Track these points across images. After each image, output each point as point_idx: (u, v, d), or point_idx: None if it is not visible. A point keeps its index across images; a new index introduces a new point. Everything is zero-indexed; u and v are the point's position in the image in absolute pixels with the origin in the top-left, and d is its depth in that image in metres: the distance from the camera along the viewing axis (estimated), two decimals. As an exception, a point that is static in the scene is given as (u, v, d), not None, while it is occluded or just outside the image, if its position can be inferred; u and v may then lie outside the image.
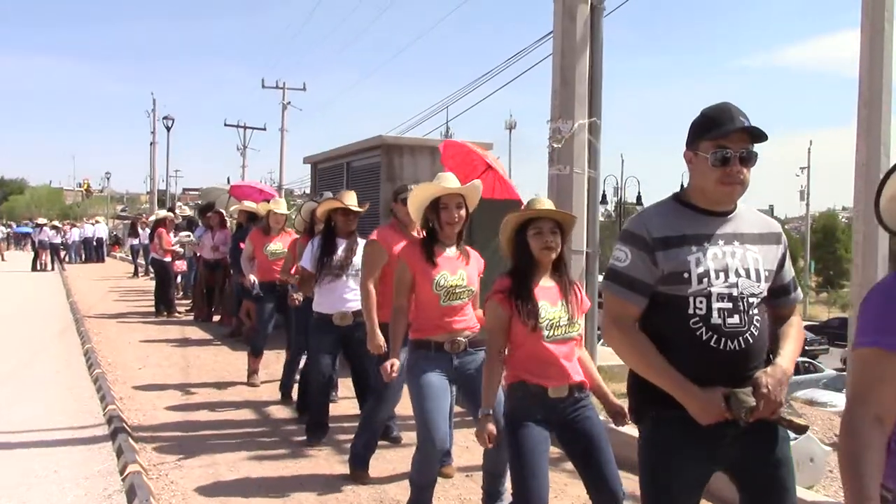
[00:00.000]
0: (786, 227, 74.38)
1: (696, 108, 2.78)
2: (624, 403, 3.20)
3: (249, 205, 11.07)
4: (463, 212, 4.41)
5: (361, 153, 12.11)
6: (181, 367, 9.59)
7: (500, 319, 3.69)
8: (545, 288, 3.74)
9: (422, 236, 4.56)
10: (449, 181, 4.42)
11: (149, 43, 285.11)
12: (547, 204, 3.84)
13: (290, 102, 38.23)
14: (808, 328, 41.35)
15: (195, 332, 12.68)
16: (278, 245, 8.50)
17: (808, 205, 60.04)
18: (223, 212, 13.85)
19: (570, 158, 6.85)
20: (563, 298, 3.74)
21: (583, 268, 7.07)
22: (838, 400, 22.44)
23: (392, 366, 4.42)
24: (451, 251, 4.44)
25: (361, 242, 5.98)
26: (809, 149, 58.70)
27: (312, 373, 6.19)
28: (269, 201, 11.21)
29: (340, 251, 6.06)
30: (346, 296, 5.99)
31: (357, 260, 5.93)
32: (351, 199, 6.10)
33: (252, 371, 8.52)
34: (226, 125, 43.25)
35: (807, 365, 28.36)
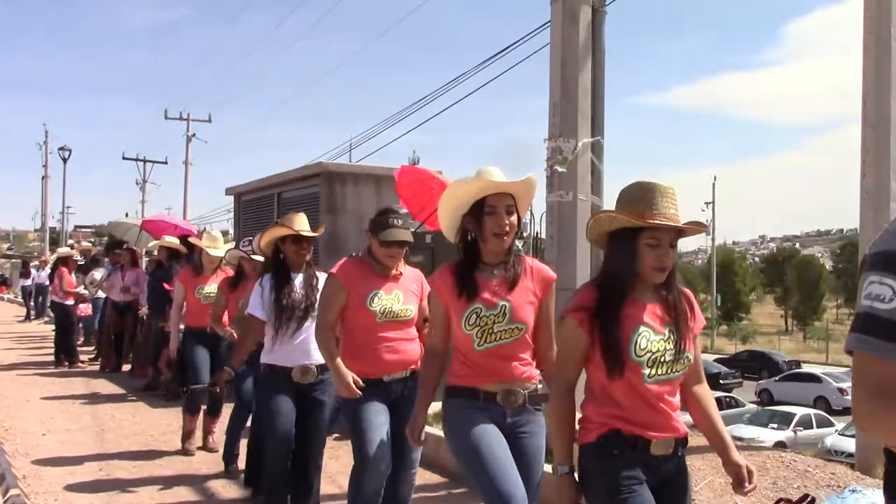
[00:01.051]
0: (681, 259, 75.90)
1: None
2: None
3: (171, 240, 9.77)
4: (514, 218, 3.28)
5: (296, 182, 10.97)
6: (94, 431, 8.14)
7: (575, 347, 2.73)
8: (647, 307, 2.73)
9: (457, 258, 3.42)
10: (494, 175, 3.28)
11: (40, 76, 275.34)
12: (668, 204, 2.71)
13: (194, 134, 36.60)
14: (719, 361, 41.59)
15: (104, 386, 11.13)
16: (213, 287, 7.23)
17: (713, 239, 61.24)
18: (136, 249, 12.43)
19: (574, 183, 5.91)
20: (670, 321, 2.73)
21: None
22: (766, 435, 22.20)
23: (416, 430, 3.34)
24: (497, 273, 3.30)
25: (323, 276, 4.81)
26: (714, 184, 59.76)
27: (270, 443, 4.95)
28: (187, 237, 9.99)
29: (299, 288, 4.80)
30: (312, 345, 4.68)
31: None
32: (301, 224, 4.85)
33: (188, 432, 7.16)
34: (124, 158, 41.20)
35: (728, 400, 28.18)
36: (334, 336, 4.14)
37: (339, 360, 4.00)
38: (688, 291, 2.87)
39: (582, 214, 5.95)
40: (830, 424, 24.57)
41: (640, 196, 2.72)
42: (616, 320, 2.66)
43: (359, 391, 3.89)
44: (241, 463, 6.14)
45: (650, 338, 2.68)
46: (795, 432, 23.21)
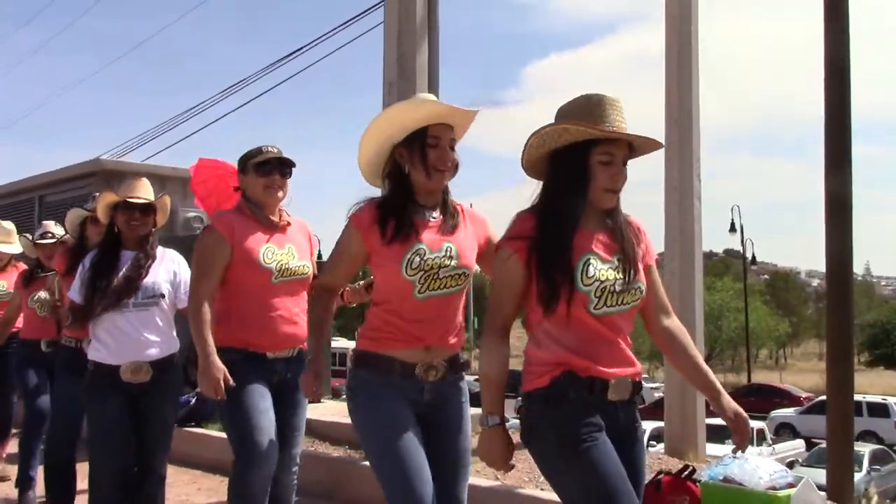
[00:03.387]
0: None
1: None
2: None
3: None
4: (455, 154, 2.82)
5: (65, 183, 9.85)
6: None
7: (511, 280, 2.45)
8: (592, 234, 2.45)
9: (381, 195, 2.92)
10: (436, 100, 2.85)
11: None
12: (619, 117, 2.43)
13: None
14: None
15: None
16: (3, 284, 6.16)
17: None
18: None
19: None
20: (617, 250, 2.45)
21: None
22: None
23: (312, 384, 2.89)
24: (434, 215, 2.85)
25: (165, 253, 4.11)
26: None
27: (101, 466, 3.88)
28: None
29: (124, 269, 3.94)
30: (144, 336, 3.90)
31: (155, 281, 3.96)
32: (138, 190, 4.09)
33: None
34: None
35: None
36: (211, 310, 3.35)
37: (212, 346, 3.25)
38: (635, 220, 2.59)
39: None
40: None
41: (589, 108, 2.42)
42: (562, 247, 2.37)
43: (224, 393, 3.23)
44: (40, 489, 5.13)
45: (597, 266, 2.40)
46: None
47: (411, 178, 2.79)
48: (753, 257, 43.43)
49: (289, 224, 3.55)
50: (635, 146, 2.48)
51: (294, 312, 3.45)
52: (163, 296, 3.95)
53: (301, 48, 9.76)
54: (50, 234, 5.42)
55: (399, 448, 2.65)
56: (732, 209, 38.13)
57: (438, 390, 2.81)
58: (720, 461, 3.94)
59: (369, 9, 7.42)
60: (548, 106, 2.64)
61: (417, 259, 2.72)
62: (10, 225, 6.23)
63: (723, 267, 72.49)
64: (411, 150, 2.76)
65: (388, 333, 2.75)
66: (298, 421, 3.53)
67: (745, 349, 40.36)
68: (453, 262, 2.78)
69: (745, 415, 2.48)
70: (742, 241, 39.46)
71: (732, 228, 38.09)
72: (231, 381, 3.24)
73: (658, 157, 7.77)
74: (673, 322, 2.59)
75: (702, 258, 7.69)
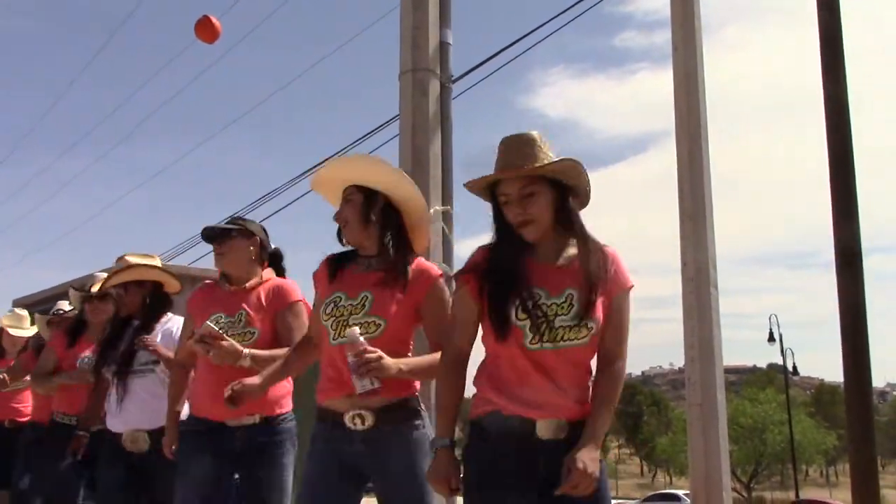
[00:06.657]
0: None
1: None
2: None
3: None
4: (349, 207, 2.95)
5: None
6: None
7: (461, 310, 2.55)
8: (543, 267, 2.46)
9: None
10: (331, 164, 3.18)
11: None
12: (513, 156, 2.52)
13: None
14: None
15: None
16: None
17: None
18: None
19: (427, 251, 5.79)
20: (573, 284, 2.41)
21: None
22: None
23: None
24: (374, 266, 2.93)
25: (172, 320, 4.24)
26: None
27: None
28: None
29: (126, 338, 4.13)
30: (136, 407, 3.98)
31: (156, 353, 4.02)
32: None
33: None
34: None
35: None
36: (186, 378, 3.69)
37: (172, 411, 3.70)
38: (610, 250, 2.51)
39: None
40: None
41: (495, 155, 2.55)
42: (499, 280, 2.44)
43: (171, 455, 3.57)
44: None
45: (539, 300, 2.39)
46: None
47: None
48: (795, 368, 42.41)
49: (256, 286, 3.62)
50: (551, 176, 2.47)
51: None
52: (157, 362, 4.01)
53: (321, 162, 10.09)
54: (61, 311, 5.67)
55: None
56: (770, 318, 37.58)
57: (373, 440, 2.80)
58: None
59: (387, 122, 7.87)
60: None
61: (332, 306, 2.88)
62: (22, 311, 6.54)
63: (766, 380, 70.94)
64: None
65: (321, 382, 2.90)
66: (266, 492, 3.45)
67: (792, 463, 38.90)
68: (365, 308, 2.84)
69: (586, 469, 2.27)
70: (782, 350, 38.66)
71: (771, 338, 37.36)
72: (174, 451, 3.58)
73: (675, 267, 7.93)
74: (604, 373, 2.48)
75: (721, 345, 7.63)
